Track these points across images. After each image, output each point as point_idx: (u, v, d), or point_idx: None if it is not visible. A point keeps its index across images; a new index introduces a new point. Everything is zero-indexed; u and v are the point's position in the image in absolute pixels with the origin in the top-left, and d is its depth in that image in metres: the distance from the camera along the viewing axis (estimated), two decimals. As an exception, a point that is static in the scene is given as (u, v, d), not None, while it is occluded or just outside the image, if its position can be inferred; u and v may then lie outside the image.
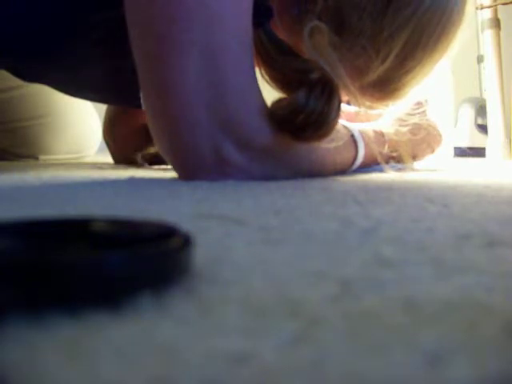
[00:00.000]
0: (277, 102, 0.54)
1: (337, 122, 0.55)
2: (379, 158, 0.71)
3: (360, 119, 0.73)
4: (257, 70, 0.56)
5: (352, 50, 0.58)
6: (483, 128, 1.42)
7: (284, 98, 0.55)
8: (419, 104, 0.77)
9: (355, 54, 0.59)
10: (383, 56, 0.59)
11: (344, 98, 0.56)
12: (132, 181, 0.58)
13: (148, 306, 0.16)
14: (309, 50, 0.56)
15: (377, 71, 0.59)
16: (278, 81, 0.58)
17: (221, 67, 0.51)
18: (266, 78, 0.59)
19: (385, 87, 0.62)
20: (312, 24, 0.56)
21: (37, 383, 0.12)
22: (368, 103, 0.64)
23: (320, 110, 0.53)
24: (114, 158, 1.04)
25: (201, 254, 0.22)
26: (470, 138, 1.48)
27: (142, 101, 0.56)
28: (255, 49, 0.56)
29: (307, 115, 0.53)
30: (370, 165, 0.69)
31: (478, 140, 1.45)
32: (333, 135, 0.59)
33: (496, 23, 1.31)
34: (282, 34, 0.59)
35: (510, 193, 0.48)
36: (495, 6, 1.32)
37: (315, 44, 0.56)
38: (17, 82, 0.94)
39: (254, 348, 0.13)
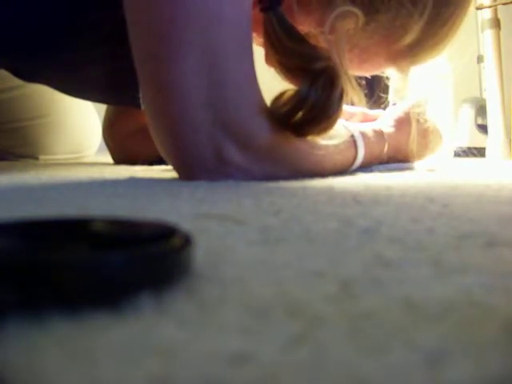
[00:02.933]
0: (277, 99, 0.54)
1: (339, 115, 0.55)
2: (379, 158, 0.71)
3: (354, 119, 0.73)
4: (259, 59, 0.56)
5: (386, 16, 0.58)
6: (483, 128, 1.42)
7: (283, 93, 0.55)
8: (419, 104, 0.77)
9: (390, 19, 0.59)
10: (421, 8, 0.59)
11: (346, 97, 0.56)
12: (132, 181, 0.58)
13: (148, 306, 0.16)
14: (325, 35, 0.56)
15: (416, 27, 0.60)
16: (284, 66, 0.57)
17: (221, 67, 0.51)
18: (272, 62, 0.59)
19: (425, 43, 0.62)
20: (344, 8, 0.57)
21: (36, 383, 0.12)
22: (407, 66, 0.65)
23: (321, 102, 0.53)
24: (113, 158, 1.04)
25: (201, 254, 0.22)
26: (470, 137, 1.48)
27: (141, 101, 0.56)
28: (264, 32, 0.56)
29: (309, 108, 0.53)
30: (370, 165, 0.69)
31: (478, 140, 1.45)
32: (332, 133, 0.59)
33: (496, 23, 1.31)
34: (294, 18, 0.58)
35: (510, 193, 0.48)
36: (495, 5, 1.32)
37: (337, 29, 0.56)
38: (17, 82, 0.94)
39: (254, 348, 0.13)
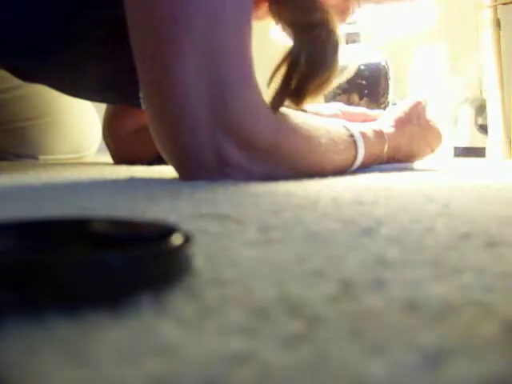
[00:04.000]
0: (272, 76, 0.56)
1: (335, 69, 0.57)
2: (379, 158, 0.71)
3: (354, 119, 0.73)
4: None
5: None
6: (483, 128, 1.42)
7: (277, 67, 0.56)
8: (419, 103, 0.77)
9: None
10: None
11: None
12: (132, 181, 0.58)
13: (148, 306, 0.16)
14: None
15: None
16: (286, 21, 0.59)
17: (221, 67, 0.51)
18: (276, 19, 0.60)
19: None
20: None
21: (36, 383, 0.12)
22: None
23: (316, 54, 0.54)
24: (113, 158, 1.04)
25: (201, 254, 0.22)
26: (470, 138, 1.48)
27: (141, 101, 0.56)
28: None
29: (304, 62, 0.54)
30: (370, 165, 0.69)
31: (477, 140, 1.45)
32: (333, 132, 0.59)
33: (496, 23, 1.31)
34: None
35: (510, 193, 0.48)
36: (495, 5, 1.32)
37: None
38: (17, 82, 0.94)
39: (254, 348, 0.13)
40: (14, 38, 0.72)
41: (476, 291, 0.18)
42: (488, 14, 1.32)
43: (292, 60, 0.55)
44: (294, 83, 0.55)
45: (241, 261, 0.22)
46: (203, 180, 0.52)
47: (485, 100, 1.39)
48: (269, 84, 0.56)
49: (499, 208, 0.38)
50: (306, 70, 0.54)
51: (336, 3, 0.62)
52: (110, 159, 1.05)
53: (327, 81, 0.57)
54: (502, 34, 1.32)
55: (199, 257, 0.21)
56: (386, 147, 0.70)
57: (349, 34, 1.06)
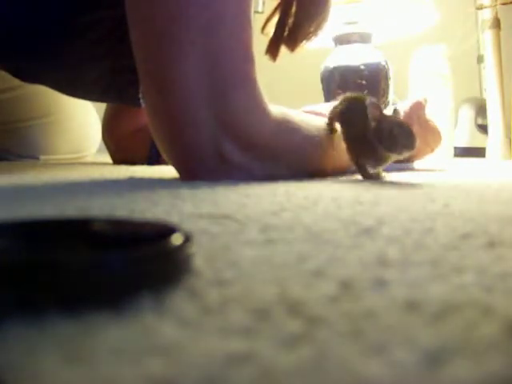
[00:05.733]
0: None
1: (328, 12, 0.59)
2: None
3: None
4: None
5: None
6: (483, 128, 1.43)
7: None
8: (419, 103, 0.77)
9: None
10: None
11: None
12: (132, 181, 0.58)
13: (148, 306, 0.16)
14: None
15: None
16: None
17: (222, 67, 0.51)
18: None
19: None
20: None
21: (36, 383, 0.12)
22: None
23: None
24: (113, 158, 1.04)
25: (201, 254, 0.22)
26: (470, 137, 1.48)
27: (141, 100, 0.56)
28: None
29: (297, 8, 0.56)
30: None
31: (477, 140, 1.45)
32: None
33: (496, 23, 1.31)
34: None
35: (510, 193, 0.48)
36: (495, 5, 1.32)
37: None
38: (17, 82, 0.95)
39: (253, 348, 0.13)
40: (14, 39, 0.72)
41: (476, 291, 0.18)
42: (488, 14, 1.32)
43: (285, 7, 0.56)
44: (287, 29, 0.56)
45: (241, 261, 0.22)
46: (203, 180, 0.52)
47: (485, 100, 1.39)
48: (262, 30, 0.57)
49: (499, 208, 0.38)
50: (299, 15, 0.56)
51: None
52: (110, 159, 1.05)
53: (319, 25, 0.58)
54: (502, 34, 1.32)
55: (199, 257, 0.21)
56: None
57: (353, 34, 1.06)
